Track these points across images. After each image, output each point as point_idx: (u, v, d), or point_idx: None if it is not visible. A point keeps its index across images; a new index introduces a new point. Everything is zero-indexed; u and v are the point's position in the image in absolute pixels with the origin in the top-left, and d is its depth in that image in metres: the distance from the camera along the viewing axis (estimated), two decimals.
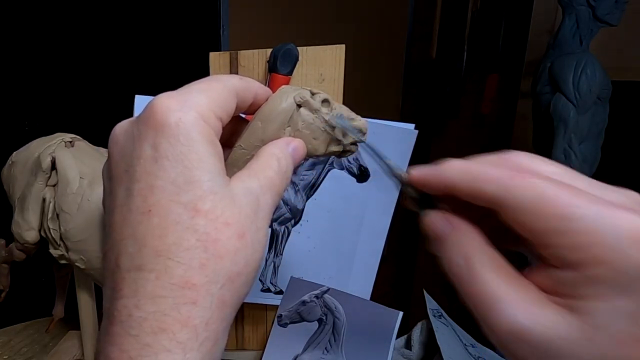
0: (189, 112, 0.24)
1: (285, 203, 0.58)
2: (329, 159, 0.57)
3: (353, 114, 0.31)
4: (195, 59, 0.71)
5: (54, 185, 0.51)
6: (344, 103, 0.35)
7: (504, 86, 1.43)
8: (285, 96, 0.29)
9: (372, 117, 0.48)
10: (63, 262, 0.52)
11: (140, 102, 0.53)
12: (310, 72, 0.56)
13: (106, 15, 0.86)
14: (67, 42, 0.83)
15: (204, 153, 0.24)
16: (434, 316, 0.61)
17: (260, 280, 0.60)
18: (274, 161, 0.27)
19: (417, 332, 0.64)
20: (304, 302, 0.58)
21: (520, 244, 0.23)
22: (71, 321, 0.66)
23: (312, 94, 0.30)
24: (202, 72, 0.54)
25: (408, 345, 0.64)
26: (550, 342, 0.20)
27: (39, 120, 0.82)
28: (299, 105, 0.29)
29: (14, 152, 0.55)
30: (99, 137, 0.46)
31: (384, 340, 0.55)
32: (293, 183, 0.58)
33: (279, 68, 0.54)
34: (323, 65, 0.56)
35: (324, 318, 0.57)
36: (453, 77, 1.51)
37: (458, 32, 1.50)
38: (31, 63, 0.80)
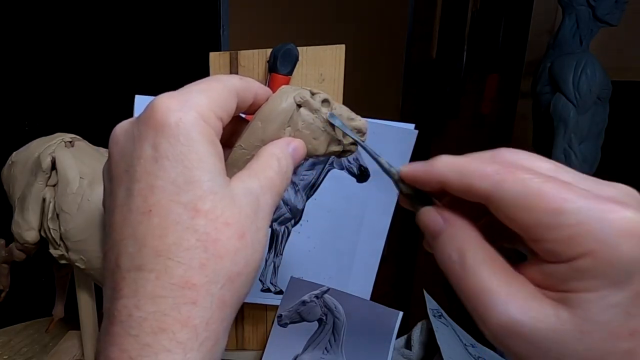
0: (189, 112, 0.24)
1: (285, 203, 0.58)
2: (329, 159, 0.57)
3: (353, 114, 0.31)
4: (195, 59, 0.71)
5: (54, 185, 0.51)
6: (344, 103, 0.35)
7: (504, 86, 1.43)
8: (285, 96, 0.29)
9: (372, 117, 0.48)
10: (63, 262, 0.52)
11: (141, 102, 0.53)
12: (310, 72, 0.56)
13: (106, 15, 0.86)
14: (67, 42, 0.83)
15: (204, 153, 0.24)
16: (434, 316, 0.61)
17: (260, 280, 0.60)
18: (274, 161, 0.27)
19: (417, 332, 0.64)
20: (304, 302, 0.58)
21: (516, 240, 0.23)
22: (71, 321, 0.66)
23: (312, 94, 0.30)
24: (202, 72, 0.54)
25: (408, 345, 0.64)
26: (542, 336, 0.20)
27: (39, 120, 0.82)
28: (299, 105, 0.29)
29: (14, 152, 0.54)
30: (99, 137, 0.46)
31: (384, 340, 0.55)
32: (293, 183, 0.58)
33: (279, 68, 0.54)
34: (323, 65, 0.56)
35: (324, 318, 0.57)
36: (453, 77, 1.51)
37: (458, 32, 1.50)
38: (31, 63, 0.80)
